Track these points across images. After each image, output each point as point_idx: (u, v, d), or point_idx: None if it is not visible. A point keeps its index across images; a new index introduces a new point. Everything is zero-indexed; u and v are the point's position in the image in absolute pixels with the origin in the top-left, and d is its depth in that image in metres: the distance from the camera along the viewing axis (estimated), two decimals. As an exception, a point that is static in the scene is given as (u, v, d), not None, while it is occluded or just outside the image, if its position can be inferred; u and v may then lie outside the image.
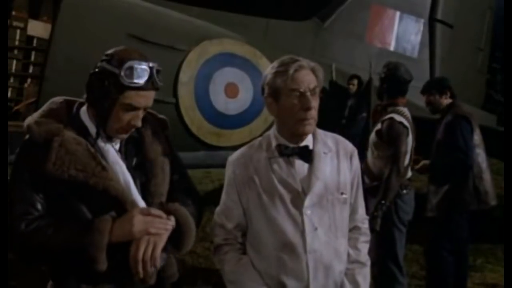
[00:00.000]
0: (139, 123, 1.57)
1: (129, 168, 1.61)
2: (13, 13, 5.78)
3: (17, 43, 5.93)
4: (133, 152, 1.64)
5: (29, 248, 1.51)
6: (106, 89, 1.50)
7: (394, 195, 3.23)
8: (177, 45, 4.87)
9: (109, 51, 1.56)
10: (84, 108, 1.62)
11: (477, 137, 3.79)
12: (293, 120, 1.70)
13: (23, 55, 6.11)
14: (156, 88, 1.57)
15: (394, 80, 3.36)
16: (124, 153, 1.63)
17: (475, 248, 5.00)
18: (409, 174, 3.41)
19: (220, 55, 5.13)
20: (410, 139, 3.29)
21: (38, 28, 5.98)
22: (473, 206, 3.71)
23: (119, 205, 1.53)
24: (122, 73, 1.49)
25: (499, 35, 5.86)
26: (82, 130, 1.58)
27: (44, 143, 1.51)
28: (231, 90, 5.14)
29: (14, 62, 5.91)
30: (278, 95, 1.71)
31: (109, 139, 1.60)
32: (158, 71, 1.56)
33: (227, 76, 5.13)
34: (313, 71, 1.71)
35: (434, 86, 3.93)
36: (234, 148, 1.93)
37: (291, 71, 1.67)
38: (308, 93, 1.67)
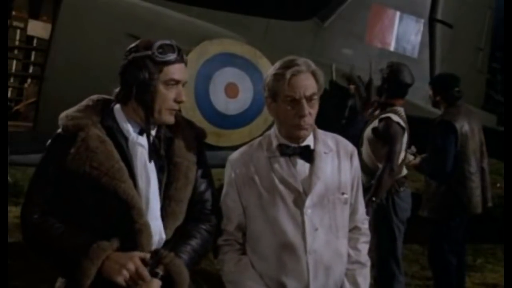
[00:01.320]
0: (183, 97, 1.62)
1: (157, 166, 1.62)
2: (13, 13, 5.77)
3: (17, 43, 5.92)
4: (163, 152, 1.65)
5: (39, 240, 1.55)
6: (144, 75, 1.56)
7: (385, 193, 3.24)
8: (177, 45, 4.86)
9: (129, 47, 1.61)
10: (118, 106, 1.65)
11: (473, 143, 3.67)
12: (288, 125, 1.70)
13: (23, 55, 6.10)
14: (185, 62, 1.63)
15: (396, 82, 3.37)
16: (157, 150, 1.64)
17: (475, 248, 5.00)
18: (404, 171, 3.43)
19: (220, 55, 5.12)
20: (405, 139, 3.31)
21: (38, 28, 5.97)
22: (456, 212, 3.65)
23: (127, 210, 1.54)
24: (156, 52, 1.57)
25: (499, 35, 5.85)
26: (113, 127, 1.61)
27: (71, 136, 1.56)
28: (231, 90, 5.13)
29: (14, 62, 5.90)
30: (276, 98, 1.71)
31: (142, 133, 1.62)
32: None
33: (227, 76, 5.11)
34: (314, 74, 1.69)
35: (432, 82, 3.91)
36: (234, 148, 1.93)
37: (287, 76, 1.65)
38: (304, 100, 1.66)
